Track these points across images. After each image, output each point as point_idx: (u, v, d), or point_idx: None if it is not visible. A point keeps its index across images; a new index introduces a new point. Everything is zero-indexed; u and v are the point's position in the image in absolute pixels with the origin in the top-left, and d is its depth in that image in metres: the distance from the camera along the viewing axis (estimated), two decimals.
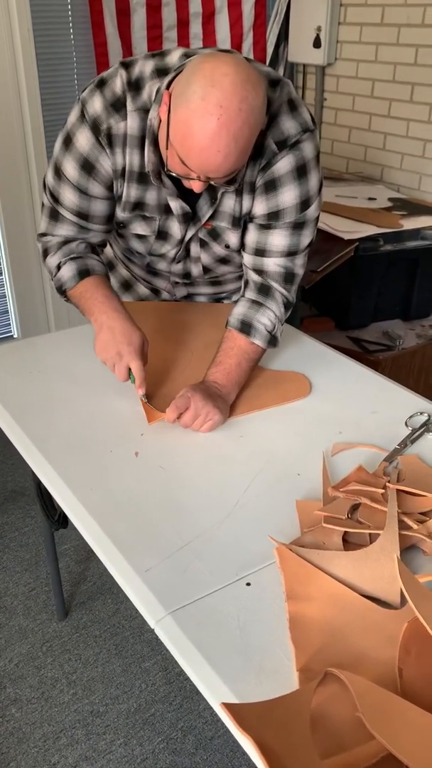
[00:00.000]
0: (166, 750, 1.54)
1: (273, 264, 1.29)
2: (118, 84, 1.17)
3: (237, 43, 2.84)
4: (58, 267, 1.31)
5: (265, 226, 1.26)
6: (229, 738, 1.56)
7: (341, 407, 1.27)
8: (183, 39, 2.73)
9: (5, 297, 2.87)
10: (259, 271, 1.30)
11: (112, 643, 1.80)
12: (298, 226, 1.26)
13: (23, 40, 2.43)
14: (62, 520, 1.56)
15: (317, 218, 1.29)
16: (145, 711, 1.63)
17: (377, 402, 1.29)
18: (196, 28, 2.74)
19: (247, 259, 1.31)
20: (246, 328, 1.29)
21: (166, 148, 1.08)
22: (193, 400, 1.17)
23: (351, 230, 2.17)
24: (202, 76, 0.99)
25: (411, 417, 1.23)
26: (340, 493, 1.02)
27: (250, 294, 1.32)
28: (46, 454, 1.12)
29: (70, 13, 2.51)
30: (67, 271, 1.30)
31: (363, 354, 2.18)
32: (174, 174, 1.11)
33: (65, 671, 1.73)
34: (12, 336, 2.94)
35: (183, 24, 2.70)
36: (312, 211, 1.26)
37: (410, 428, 1.21)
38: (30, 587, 1.97)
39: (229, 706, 0.69)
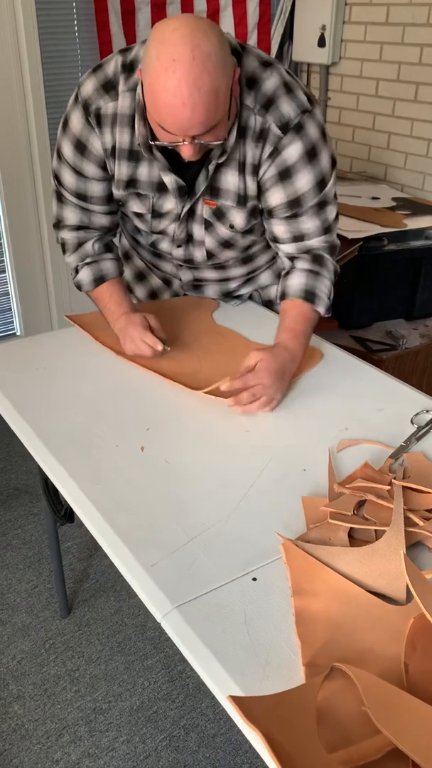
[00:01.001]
0: (168, 747, 1.54)
1: (316, 242, 1.34)
2: (111, 66, 1.22)
3: (241, 42, 2.84)
4: (77, 270, 1.44)
5: (291, 216, 1.30)
6: (232, 736, 1.56)
7: (347, 404, 1.27)
8: None
9: (8, 295, 2.87)
10: (307, 251, 1.35)
11: (115, 640, 1.80)
12: (321, 205, 1.30)
13: (28, 38, 2.43)
14: (68, 515, 1.57)
15: (335, 193, 1.33)
16: (147, 708, 1.63)
17: (383, 399, 1.29)
18: None
19: (290, 247, 1.35)
20: (310, 296, 1.33)
21: (146, 117, 1.13)
22: (267, 377, 1.20)
23: (355, 230, 2.17)
24: (153, 38, 1.03)
25: (417, 415, 1.23)
26: (345, 489, 1.02)
27: (305, 264, 1.35)
28: (53, 450, 1.12)
29: (75, 11, 2.51)
30: (84, 277, 1.43)
31: (366, 353, 2.18)
32: (161, 143, 1.13)
33: (68, 668, 1.73)
34: (15, 334, 2.94)
35: None
36: (329, 188, 1.30)
37: (416, 426, 1.21)
38: (33, 584, 1.97)
39: (236, 699, 0.69)
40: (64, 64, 2.57)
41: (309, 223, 1.31)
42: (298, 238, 1.33)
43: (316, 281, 1.34)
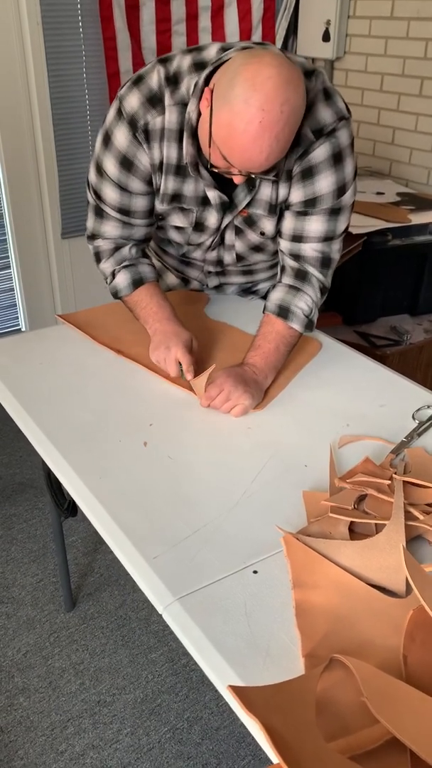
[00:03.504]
0: (172, 740, 1.56)
1: (310, 249, 1.31)
2: (155, 79, 1.20)
3: (246, 37, 2.84)
4: (113, 274, 1.40)
5: (302, 213, 1.29)
6: (235, 729, 1.57)
7: (349, 400, 1.28)
8: (192, 32, 2.73)
9: (13, 290, 2.88)
10: (296, 257, 1.33)
11: (119, 634, 1.81)
12: (334, 212, 1.28)
13: (32, 34, 2.43)
14: (71, 509, 1.58)
15: (353, 204, 1.32)
16: (151, 701, 1.64)
17: (385, 395, 1.30)
18: (205, 21, 2.74)
19: (284, 245, 1.34)
20: (284, 312, 1.32)
21: (209, 146, 1.11)
22: (225, 384, 1.21)
23: (359, 225, 2.17)
24: (244, 78, 1.01)
25: (418, 410, 1.24)
26: (346, 484, 1.02)
27: (287, 279, 1.35)
28: (56, 444, 1.13)
29: (79, 6, 2.51)
30: (122, 280, 1.39)
31: (370, 349, 2.18)
32: (217, 170, 1.15)
33: (72, 661, 1.74)
34: (20, 329, 2.96)
35: (192, 17, 2.70)
36: (348, 197, 1.28)
37: (417, 421, 1.21)
38: (38, 578, 1.98)
39: (236, 689, 0.70)
40: (68, 60, 2.57)
41: (315, 226, 1.29)
42: (297, 238, 1.31)
43: (294, 298, 1.33)
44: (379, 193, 2.54)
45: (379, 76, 2.75)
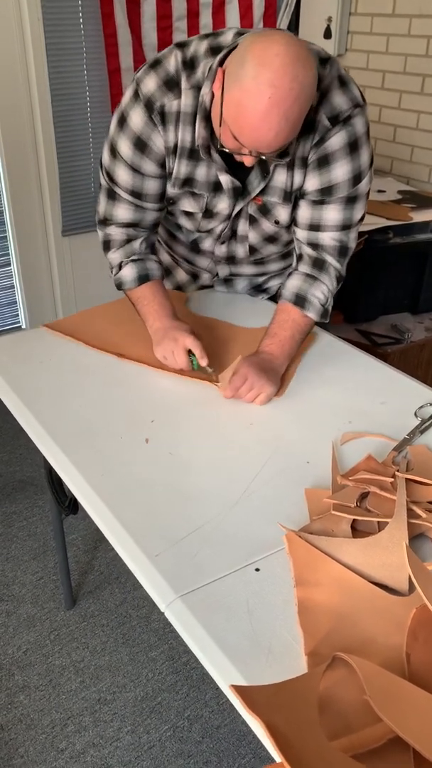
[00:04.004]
0: (172, 738, 1.55)
1: (328, 238, 1.32)
2: (172, 63, 1.20)
3: None
4: (120, 266, 1.39)
5: (319, 202, 1.29)
6: (236, 727, 1.57)
7: (351, 397, 1.27)
8: (193, 29, 2.72)
9: (13, 288, 2.87)
10: (314, 245, 1.33)
11: (120, 632, 1.81)
12: (351, 201, 1.29)
13: (33, 30, 2.43)
14: (72, 506, 1.58)
15: (368, 192, 1.32)
16: (152, 699, 1.64)
17: (387, 393, 1.29)
18: (206, 18, 2.73)
19: (302, 234, 1.34)
20: (300, 301, 1.33)
21: (220, 125, 1.11)
22: (249, 374, 1.22)
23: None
24: (253, 56, 1.02)
25: (420, 408, 1.23)
26: (349, 481, 1.02)
27: (304, 268, 1.35)
28: (57, 441, 1.13)
29: (80, 2, 2.50)
30: (128, 274, 1.38)
31: (371, 347, 2.18)
32: (227, 149, 1.15)
33: (73, 659, 1.74)
34: (20, 327, 2.95)
35: (193, 14, 2.70)
36: (363, 185, 1.29)
37: (419, 419, 1.21)
38: (38, 576, 1.98)
39: (238, 688, 0.70)
40: (69, 56, 2.57)
41: (332, 214, 1.29)
42: (314, 227, 1.31)
43: (311, 286, 1.34)
44: (380, 191, 2.53)
45: (381, 74, 2.75)
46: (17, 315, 2.93)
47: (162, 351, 1.31)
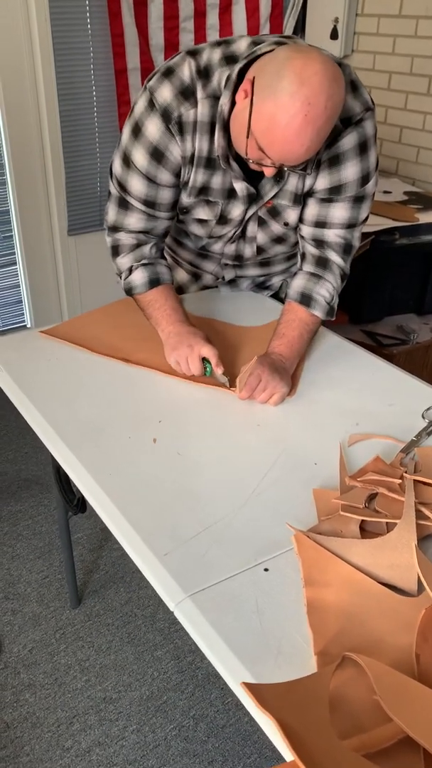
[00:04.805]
0: (178, 737, 1.56)
1: (334, 235, 1.33)
2: (186, 72, 1.20)
3: (253, 34, 2.83)
4: (130, 270, 1.38)
5: (327, 200, 1.30)
6: (241, 726, 1.57)
7: (358, 399, 1.28)
8: (199, 30, 2.72)
9: (19, 287, 2.88)
10: (319, 242, 1.35)
11: (125, 631, 1.81)
12: (358, 200, 1.30)
13: (40, 30, 2.43)
14: (80, 505, 1.58)
15: (374, 193, 1.34)
16: (157, 698, 1.64)
17: (394, 394, 1.29)
18: (212, 18, 2.73)
19: (306, 230, 1.35)
20: (306, 300, 1.35)
21: (247, 136, 1.11)
22: (263, 375, 1.23)
23: (366, 223, 2.16)
24: (292, 71, 1.02)
25: (428, 409, 1.23)
26: (357, 482, 1.02)
27: (309, 267, 1.37)
28: (66, 440, 1.13)
29: (87, 2, 2.50)
30: (138, 278, 1.38)
31: (377, 348, 2.18)
32: (251, 161, 1.15)
33: (78, 658, 1.74)
34: (26, 326, 2.96)
35: (200, 15, 2.70)
36: (371, 186, 1.31)
37: (427, 420, 1.21)
38: (43, 575, 1.99)
39: (249, 686, 0.70)
40: (75, 56, 2.57)
41: (339, 213, 1.31)
42: (320, 224, 1.32)
43: (316, 285, 1.35)
44: (386, 192, 2.53)
45: (387, 75, 2.75)
46: (23, 314, 2.94)
47: (176, 356, 1.30)
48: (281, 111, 1.03)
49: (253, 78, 1.08)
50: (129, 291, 1.40)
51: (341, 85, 1.05)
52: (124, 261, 1.38)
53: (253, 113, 1.08)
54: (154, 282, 1.38)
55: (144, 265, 1.37)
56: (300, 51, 1.05)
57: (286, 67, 1.03)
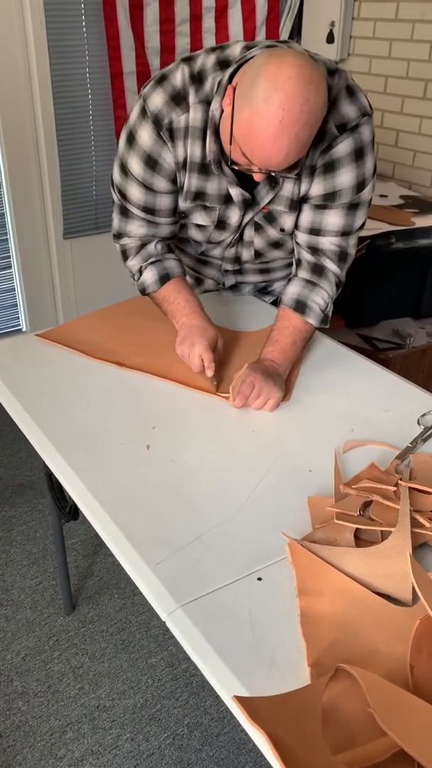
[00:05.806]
0: (172, 746, 1.54)
1: (328, 242, 1.32)
2: (178, 78, 1.20)
3: (249, 38, 2.83)
4: (140, 271, 1.40)
5: (321, 206, 1.29)
6: (235, 735, 1.56)
7: (353, 405, 1.27)
8: (195, 33, 2.72)
9: (14, 290, 2.87)
10: (314, 250, 1.34)
11: (119, 638, 1.80)
12: (353, 207, 1.29)
13: (35, 32, 2.42)
14: (73, 512, 1.57)
15: (370, 200, 1.33)
16: (151, 707, 1.63)
17: (389, 400, 1.28)
18: (208, 22, 2.73)
19: (302, 237, 1.34)
20: (301, 307, 1.34)
21: (230, 143, 1.11)
22: (255, 382, 1.22)
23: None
24: (265, 78, 1.02)
25: (423, 415, 1.22)
26: (351, 490, 1.01)
27: (304, 274, 1.36)
28: (58, 446, 1.12)
29: (82, 5, 2.49)
30: (149, 276, 1.39)
31: (373, 352, 2.17)
32: (237, 167, 1.15)
33: (72, 665, 1.73)
34: (21, 330, 2.94)
35: (196, 18, 2.70)
36: (366, 192, 1.29)
37: (422, 426, 1.20)
38: (37, 581, 1.97)
39: (241, 699, 0.69)
40: (71, 60, 2.56)
41: (333, 220, 1.30)
42: (315, 231, 1.32)
43: (311, 293, 1.34)
44: (382, 196, 2.53)
45: (383, 79, 2.75)
46: (18, 318, 2.92)
47: (180, 350, 1.32)
48: (257, 118, 1.03)
49: (236, 84, 1.08)
50: (143, 291, 1.42)
51: (320, 88, 1.03)
52: (134, 263, 1.40)
53: (234, 120, 1.08)
54: (164, 278, 1.38)
55: (152, 263, 1.38)
56: (276, 56, 1.04)
57: (260, 73, 1.03)
